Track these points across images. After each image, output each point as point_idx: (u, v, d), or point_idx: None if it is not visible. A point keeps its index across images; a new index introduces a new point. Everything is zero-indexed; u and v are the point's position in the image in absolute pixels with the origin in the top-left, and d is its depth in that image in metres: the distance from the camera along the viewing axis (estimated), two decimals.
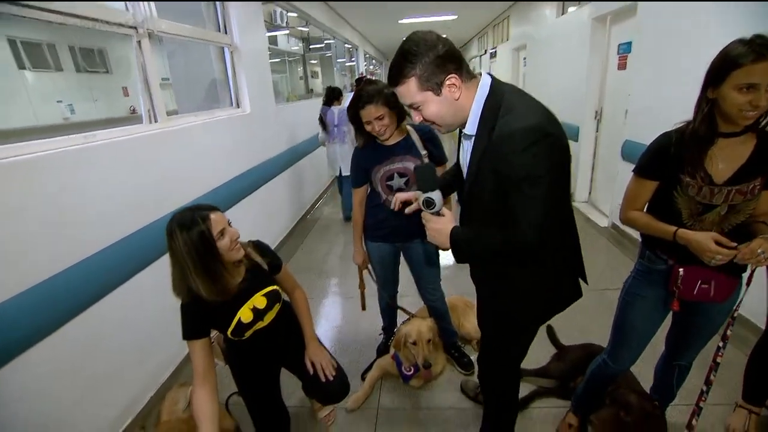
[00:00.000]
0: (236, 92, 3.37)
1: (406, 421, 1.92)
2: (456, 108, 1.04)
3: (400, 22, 9.02)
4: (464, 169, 1.17)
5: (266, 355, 1.62)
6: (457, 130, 1.15)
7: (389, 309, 2.26)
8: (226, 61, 3.29)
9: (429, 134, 1.87)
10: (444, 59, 0.98)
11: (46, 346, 1.48)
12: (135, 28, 2.10)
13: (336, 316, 2.87)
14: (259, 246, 1.56)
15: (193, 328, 1.36)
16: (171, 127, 2.34)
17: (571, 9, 5.20)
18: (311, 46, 7.90)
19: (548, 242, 0.99)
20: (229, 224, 1.34)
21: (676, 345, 1.51)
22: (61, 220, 1.57)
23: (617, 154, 3.64)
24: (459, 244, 1.09)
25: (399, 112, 1.75)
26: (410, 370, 2.02)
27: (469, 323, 2.37)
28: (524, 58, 7.61)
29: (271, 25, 5.10)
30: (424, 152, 1.84)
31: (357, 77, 8.23)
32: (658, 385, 1.66)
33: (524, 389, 2.01)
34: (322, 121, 4.31)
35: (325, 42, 8.54)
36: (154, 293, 1.95)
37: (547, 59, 5.75)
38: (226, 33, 3.18)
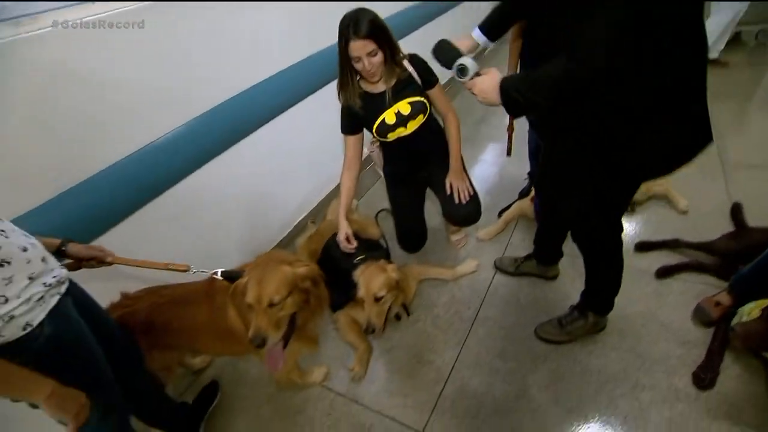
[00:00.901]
0: None
1: None
2: None
3: None
4: None
5: (411, 164, 1.83)
6: None
7: (538, 152, 2.18)
8: None
9: None
10: None
11: (252, 139, 1.93)
12: None
13: (485, 157, 2.92)
14: (414, 60, 1.65)
15: (347, 125, 1.70)
16: None
17: None
18: None
19: (627, 69, 0.88)
20: (375, 54, 1.44)
21: None
22: (255, 39, 1.84)
23: None
24: (509, 92, 0.98)
25: None
26: None
27: None
28: None
29: None
30: None
31: None
32: None
33: (672, 259, 1.87)
34: None
35: None
36: (321, 115, 2.23)
37: None
38: None
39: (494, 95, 1.02)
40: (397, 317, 1.81)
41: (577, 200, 1.27)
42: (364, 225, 2.04)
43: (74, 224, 1.25)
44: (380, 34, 1.43)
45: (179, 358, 1.52)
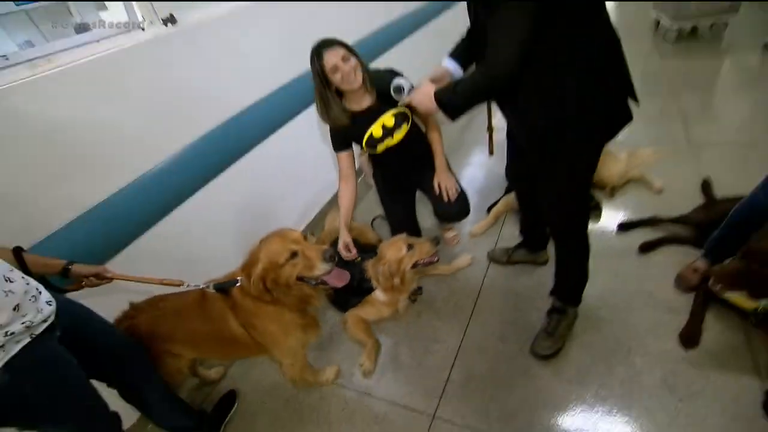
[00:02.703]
0: None
1: None
2: None
3: None
4: None
5: (401, 171, 1.96)
6: None
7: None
8: None
9: None
10: None
11: (254, 155, 2.06)
12: None
13: (471, 160, 3.05)
14: (392, 72, 1.73)
15: (338, 143, 1.82)
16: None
17: None
18: None
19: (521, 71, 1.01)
20: (348, 58, 1.56)
21: None
22: (242, 67, 1.96)
23: None
24: (442, 98, 1.19)
25: None
26: None
27: (605, 169, 2.28)
28: None
29: None
30: None
31: None
32: None
33: (652, 235, 1.99)
34: None
35: None
36: (310, 133, 2.36)
37: None
38: None
39: (430, 103, 1.21)
40: (416, 294, 1.91)
41: (553, 183, 1.31)
42: (361, 232, 2.15)
43: (81, 250, 1.32)
44: (347, 45, 1.59)
45: (188, 364, 1.56)
